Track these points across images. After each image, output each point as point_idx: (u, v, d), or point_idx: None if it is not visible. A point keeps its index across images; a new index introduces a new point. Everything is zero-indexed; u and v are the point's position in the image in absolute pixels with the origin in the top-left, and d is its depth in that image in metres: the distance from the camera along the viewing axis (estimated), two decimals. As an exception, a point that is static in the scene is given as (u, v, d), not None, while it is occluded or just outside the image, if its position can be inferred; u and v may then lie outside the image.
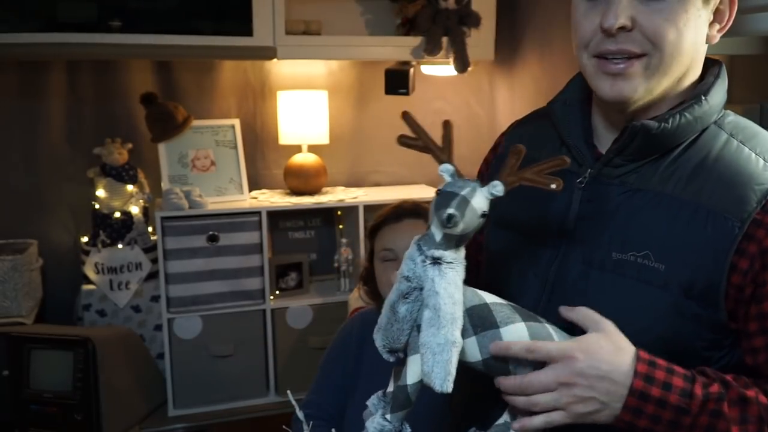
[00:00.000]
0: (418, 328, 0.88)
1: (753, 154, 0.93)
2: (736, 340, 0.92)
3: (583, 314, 0.90)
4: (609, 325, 0.88)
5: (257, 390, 2.41)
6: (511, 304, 0.92)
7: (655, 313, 0.91)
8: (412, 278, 0.89)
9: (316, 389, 1.64)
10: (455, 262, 0.88)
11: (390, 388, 0.95)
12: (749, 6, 1.18)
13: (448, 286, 0.86)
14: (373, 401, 0.97)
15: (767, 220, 0.88)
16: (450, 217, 0.84)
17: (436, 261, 0.87)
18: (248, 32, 2.28)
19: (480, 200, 0.86)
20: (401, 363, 0.93)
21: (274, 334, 2.40)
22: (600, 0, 0.92)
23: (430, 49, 2.42)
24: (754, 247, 0.88)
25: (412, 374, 0.89)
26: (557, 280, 0.99)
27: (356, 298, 2.10)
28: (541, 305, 1.00)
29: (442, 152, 0.94)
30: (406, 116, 0.94)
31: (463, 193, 0.85)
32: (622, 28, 0.90)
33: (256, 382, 2.41)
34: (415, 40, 2.45)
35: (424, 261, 0.88)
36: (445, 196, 0.86)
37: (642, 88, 0.92)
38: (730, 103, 1.00)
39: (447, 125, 0.94)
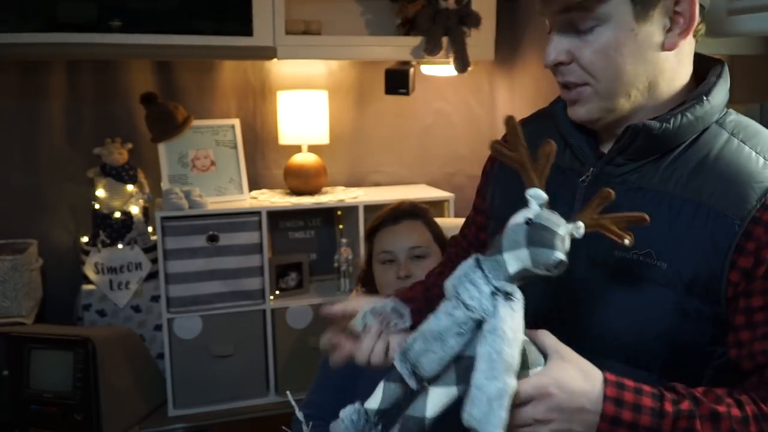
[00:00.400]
0: (456, 359, 0.82)
1: (753, 153, 0.93)
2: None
3: (541, 339, 0.89)
4: (569, 351, 0.87)
5: (257, 390, 2.41)
6: (537, 343, 0.88)
7: (658, 310, 0.92)
8: (475, 309, 0.80)
9: (316, 389, 1.65)
10: (521, 299, 0.82)
11: (372, 404, 0.87)
12: (749, 6, 1.18)
13: (515, 327, 0.80)
14: (351, 416, 0.88)
15: (765, 217, 0.89)
16: (560, 263, 0.78)
17: (508, 296, 0.80)
18: (248, 32, 2.28)
19: (569, 240, 0.82)
20: (397, 379, 0.86)
21: (274, 334, 2.40)
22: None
23: (430, 49, 2.42)
24: (752, 245, 0.88)
25: (433, 406, 0.82)
26: (561, 279, 1.00)
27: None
28: (546, 304, 1.01)
29: (536, 173, 0.84)
30: (510, 121, 0.86)
31: (561, 232, 0.80)
32: (560, 63, 0.96)
33: (256, 382, 2.41)
34: (415, 40, 2.45)
35: (494, 294, 0.80)
36: (541, 232, 0.79)
37: (597, 110, 0.97)
38: (731, 102, 1.01)
39: (550, 147, 0.84)
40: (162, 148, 2.42)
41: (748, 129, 0.97)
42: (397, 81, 2.52)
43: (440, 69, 2.62)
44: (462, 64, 2.46)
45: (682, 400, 0.86)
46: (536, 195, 0.83)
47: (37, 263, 2.38)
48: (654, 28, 0.93)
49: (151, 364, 2.42)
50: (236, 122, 2.54)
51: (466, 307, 0.80)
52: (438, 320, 0.82)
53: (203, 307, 2.33)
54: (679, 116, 0.94)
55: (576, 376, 0.85)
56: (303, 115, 2.52)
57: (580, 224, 0.82)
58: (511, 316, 0.80)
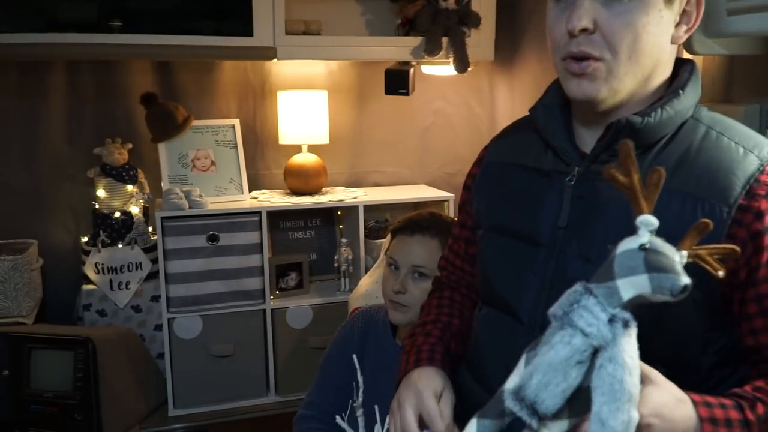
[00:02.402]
0: (576, 391, 0.78)
1: (732, 143, 0.96)
2: (731, 321, 0.95)
3: None
4: (657, 375, 0.85)
5: (257, 390, 2.41)
6: None
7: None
8: (594, 336, 0.77)
9: (317, 389, 1.65)
10: (636, 326, 0.79)
11: None
12: (749, 6, 1.18)
13: (633, 354, 0.77)
14: None
15: (753, 204, 0.91)
16: (686, 288, 0.75)
17: (626, 323, 0.77)
18: (248, 32, 2.28)
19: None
20: (493, 416, 0.83)
21: (274, 334, 2.40)
22: (568, 4, 0.96)
23: (430, 50, 2.42)
24: (743, 232, 0.91)
25: None
26: (556, 276, 1.02)
27: (356, 298, 2.10)
28: (542, 303, 1.02)
29: (646, 201, 0.81)
30: (625, 147, 0.82)
31: (677, 259, 0.77)
32: (584, 30, 0.94)
33: (256, 382, 2.41)
34: (415, 40, 2.45)
35: (612, 321, 0.77)
36: (659, 257, 0.77)
37: (605, 89, 0.96)
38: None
39: (659, 175, 0.81)
40: (162, 148, 2.42)
41: (723, 122, 1.00)
42: (397, 81, 2.52)
43: (440, 69, 2.61)
44: (462, 65, 2.46)
45: (756, 404, 0.88)
46: (647, 221, 0.80)
47: (37, 263, 2.38)
48: (672, 17, 0.96)
49: (151, 364, 2.42)
50: (236, 122, 2.54)
51: (585, 334, 0.77)
52: (556, 351, 0.77)
53: (203, 307, 2.33)
54: (660, 110, 0.96)
55: (671, 402, 0.83)
56: (303, 115, 2.52)
57: (684, 253, 0.79)
58: (630, 344, 0.77)
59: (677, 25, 0.97)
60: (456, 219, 1.30)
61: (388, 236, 1.75)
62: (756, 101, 1.44)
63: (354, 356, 1.15)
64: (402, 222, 1.67)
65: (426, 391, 1.04)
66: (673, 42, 0.98)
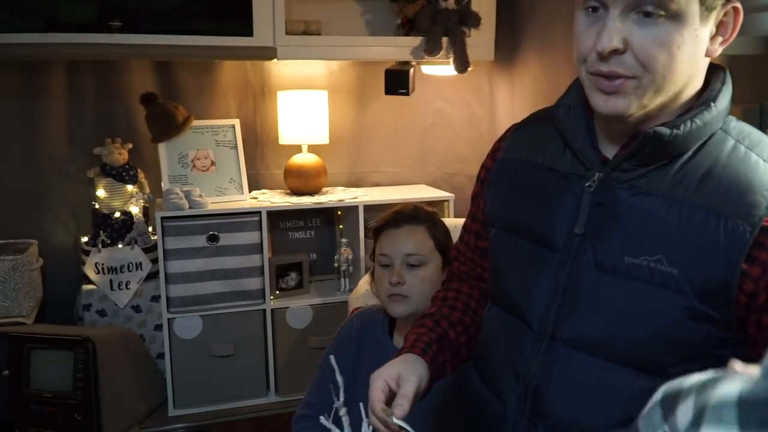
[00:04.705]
0: None
1: (761, 161, 0.93)
2: (743, 338, 0.93)
3: None
4: None
5: (257, 390, 2.41)
6: None
7: (668, 316, 0.92)
8: None
9: (315, 389, 1.65)
10: None
11: None
12: (749, 6, 1.18)
13: None
14: None
15: None
16: None
17: None
18: (248, 32, 2.28)
19: None
20: None
21: (274, 334, 2.40)
22: (598, 18, 0.92)
23: (430, 50, 2.42)
24: (765, 255, 0.88)
25: None
26: (569, 283, 1.00)
27: (356, 298, 2.10)
28: (553, 309, 1.01)
29: None
30: None
31: None
32: (615, 51, 0.90)
33: (256, 382, 2.41)
34: (415, 40, 2.45)
35: None
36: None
37: (635, 105, 0.93)
38: (731, 103, 1.01)
39: None
40: (162, 148, 2.42)
41: (751, 136, 0.97)
42: (397, 81, 2.51)
43: (440, 69, 2.61)
44: (462, 65, 2.46)
45: None
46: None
47: (37, 263, 2.38)
48: (707, 32, 0.92)
49: (151, 364, 2.42)
50: (236, 122, 2.54)
51: None
52: None
53: (203, 307, 2.33)
54: (689, 122, 0.93)
55: None
56: (303, 115, 2.52)
57: None
58: None
59: (713, 37, 0.93)
60: (468, 211, 1.28)
61: (371, 240, 1.74)
62: (756, 101, 1.43)
63: (332, 357, 1.15)
64: (385, 218, 1.67)
65: (388, 369, 1.07)
66: (707, 55, 0.94)
